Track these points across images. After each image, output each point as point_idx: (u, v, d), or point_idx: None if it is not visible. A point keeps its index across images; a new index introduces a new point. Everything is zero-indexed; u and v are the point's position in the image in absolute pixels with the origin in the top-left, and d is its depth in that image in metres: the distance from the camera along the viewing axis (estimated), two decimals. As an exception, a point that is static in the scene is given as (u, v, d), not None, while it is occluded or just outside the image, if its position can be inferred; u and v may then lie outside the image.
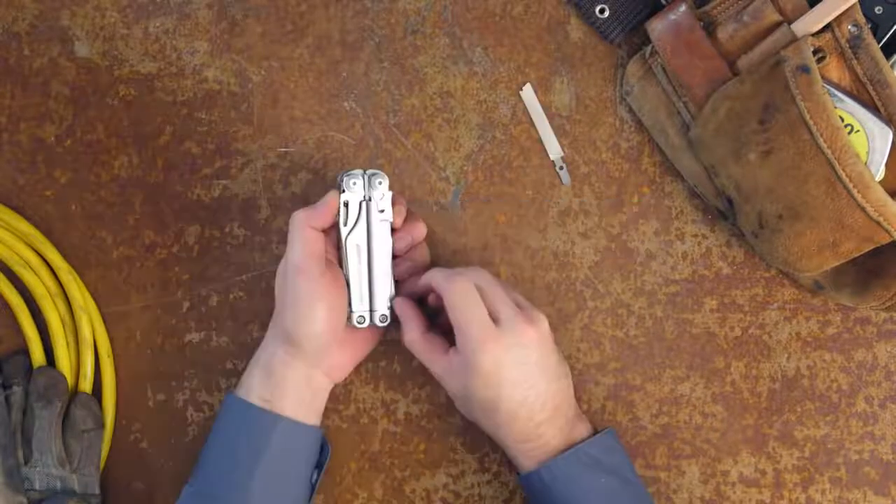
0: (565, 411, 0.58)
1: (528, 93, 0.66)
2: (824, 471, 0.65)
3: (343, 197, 0.59)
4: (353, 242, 0.59)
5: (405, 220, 0.61)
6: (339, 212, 0.59)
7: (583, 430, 0.58)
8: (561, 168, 0.66)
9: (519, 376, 0.55)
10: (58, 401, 0.63)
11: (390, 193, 0.59)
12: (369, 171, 0.59)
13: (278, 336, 0.58)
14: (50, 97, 0.67)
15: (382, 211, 0.59)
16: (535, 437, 0.57)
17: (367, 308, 0.59)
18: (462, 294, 0.56)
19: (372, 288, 0.59)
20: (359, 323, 0.59)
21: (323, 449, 0.60)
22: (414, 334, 0.58)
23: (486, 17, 0.67)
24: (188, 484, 0.58)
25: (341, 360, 0.61)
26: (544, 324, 0.57)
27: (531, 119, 0.66)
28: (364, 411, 0.66)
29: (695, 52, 0.60)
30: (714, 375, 0.66)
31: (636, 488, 0.58)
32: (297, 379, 0.57)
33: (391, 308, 0.60)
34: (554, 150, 0.66)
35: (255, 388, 0.57)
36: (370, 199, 0.59)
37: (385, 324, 0.60)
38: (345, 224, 0.59)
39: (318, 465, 0.60)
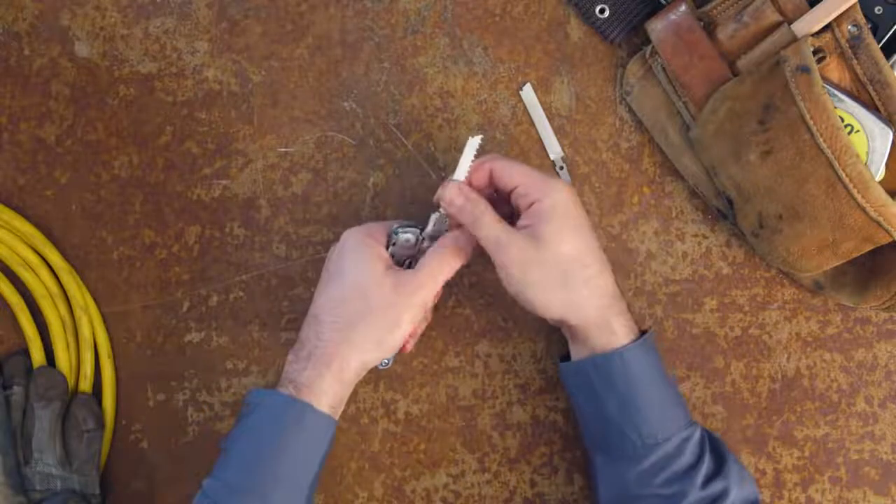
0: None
1: (528, 93, 0.66)
2: (824, 471, 0.65)
3: (392, 249, 0.59)
4: None
5: None
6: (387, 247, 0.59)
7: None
8: (561, 168, 0.66)
9: (589, 227, 0.57)
10: (58, 401, 0.63)
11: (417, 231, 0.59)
12: (427, 232, 0.59)
13: (361, 345, 0.56)
14: (50, 97, 0.67)
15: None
16: (615, 308, 0.56)
17: None
18: (509, 160, 0.57)
19: None
20: None
21: None
22: (490, 212, 0.56)
23: (486, 17, 0.67)
24: (210, 479, 0.55)
25: None
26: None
27: (531, 119, 0.66)
28: (364, 411, 0.66)
29: (695, 52, 0.60)
30: (714, 375, 0.66)
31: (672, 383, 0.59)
32: (353, 389, 0.58)
33: (394, 355, 0.61)
34: (554, 150, 0.66)
35: (329, 398, 0.56)
36: (412, 261, 0.59)
37: (385, 367, 0.62)
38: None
39: None
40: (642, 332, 0.57)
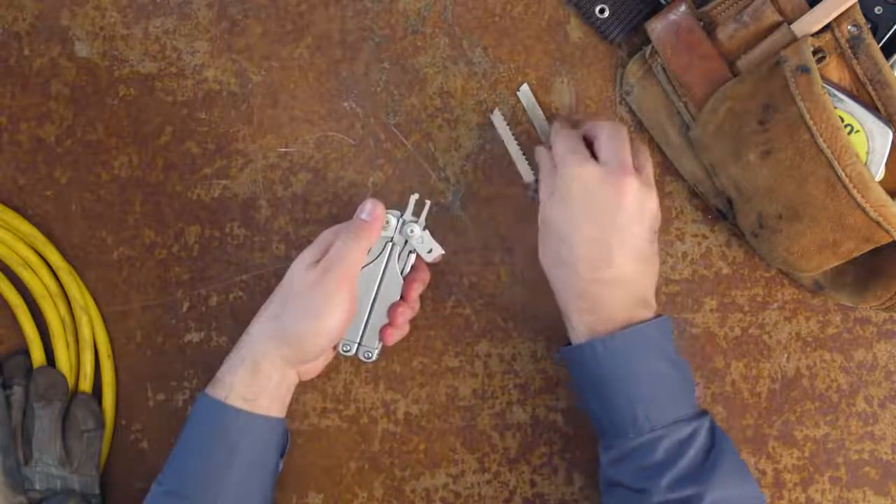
0: (639, 291, 0.57)
1: (525, 92, 0.66)
2: (824, 471, 0.65)
3: None
4: (368, 275, 0.60)
5: (417, 268, 0.61)
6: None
7: (646, 314, 0.57)
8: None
9: (598, 210, 0.55)
10: (58, 401, 0.63)
11: (426, 234, 0.60)
12: (406, 217, 0.60)
13: (274, 335, 0.57)
14: (50, 97, 0.67)
15: (412, 251, 0.60)
16: (598, 298, 0.55)
17: (357, 340, 0.60)
18: (558, 125, 0.60)
19: (367, 323, 0.60)
20: (344, 350, 0.60)
21: (285, 436, 0.61)
22: (566, 125, 0.60)
23: (486, 17, 0.67)
24: (157, 483, 0.57)
25: (319, 364, 0.61)
26: (649, 188, 0.57)
27: (531, 119, 0.66)
28: (364, 411, 0.66)
29: (695, 52, 0.60)
30: (714, 375, 0.66)
31: (682, 371, 0.57)
32: (279, 379, 0.57)
33: (378, 348, 0.61)
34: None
35: (236, 388, 0.56)
36: (394, 243, 0.60)
37: (368, 360, 0.61)
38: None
39: (282, 453, 0.60)
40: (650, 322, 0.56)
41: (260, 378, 0.56)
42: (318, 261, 0.57)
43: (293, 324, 0.56)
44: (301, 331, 0.56)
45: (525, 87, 0.66)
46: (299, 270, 0.57)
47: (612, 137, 0.57)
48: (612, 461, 0.56)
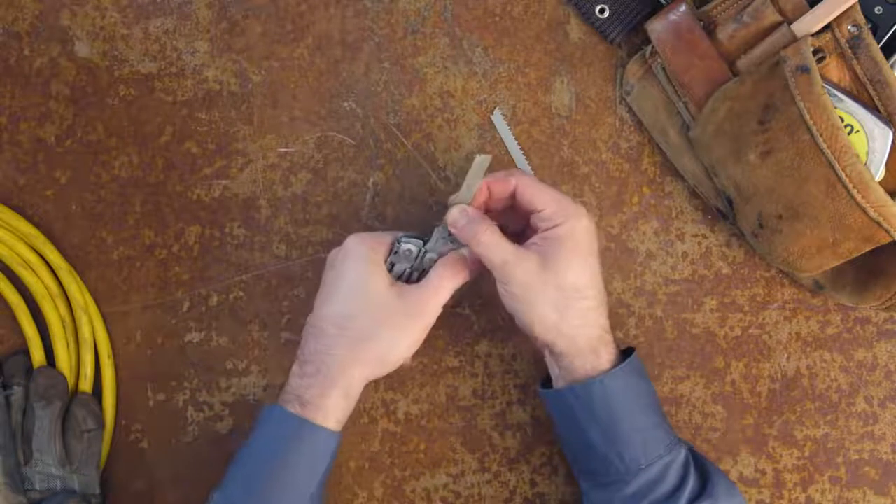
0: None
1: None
2: (824, 471, 0.65)
3: (392, 258, 0.58)
4: None
5: None
6: (386, 258, 0.58)
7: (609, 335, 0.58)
8: None
9: (597, 259, 0.57)
10: (58, 401, 0.63)
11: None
12: (428, 247, 0.58)
13: (368, 359, 0.56)
14: (50, 97, 0.67)
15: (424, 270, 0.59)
16: (604, 339, 0.56)
17: None
18: (536, 181, 0.57)
19: None
20: None
21: None
22: (495, 233, 0.56)
23: (486, 17, 0.67)
24: (219, 491, 0.56)
25: None
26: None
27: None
28: (364, 411, 0.66)
29: (695, 52, 0.60)
30: (714, 375, 0.66)
31: (653, 388, 0.59)
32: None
33: None
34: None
35: (335, 414, 0.56)
36: (413, 269, 0.59)
37: None
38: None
39: None
40: (624, 352, 0.57)
41: (351, 402, 0.57)
42: (399, 278, 0.58)
43: (392, 350, 0.57)
44: (399, 355, 0.57)
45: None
46: (382, 295, 0.56)
47: (529, 187, 0.57)
48: (616, 500, 0.55)
